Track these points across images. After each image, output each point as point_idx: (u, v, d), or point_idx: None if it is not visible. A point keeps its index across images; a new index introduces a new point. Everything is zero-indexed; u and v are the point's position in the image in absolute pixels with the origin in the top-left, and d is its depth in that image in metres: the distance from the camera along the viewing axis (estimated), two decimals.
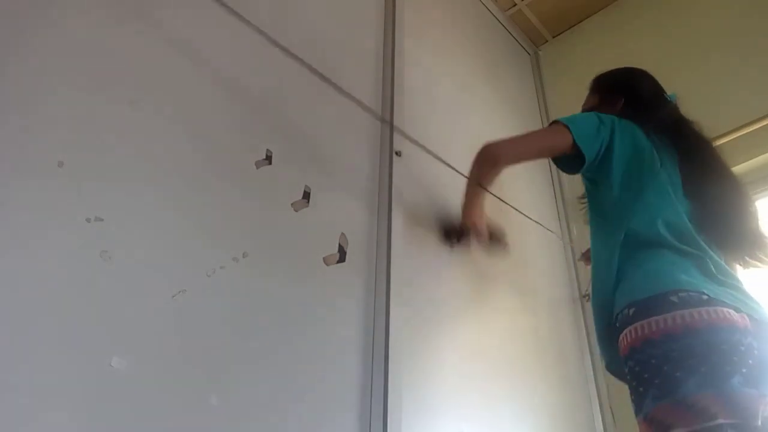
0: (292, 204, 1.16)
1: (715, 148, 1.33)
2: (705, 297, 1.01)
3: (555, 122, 1.27)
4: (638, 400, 1.01)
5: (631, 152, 1.22)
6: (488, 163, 1.32)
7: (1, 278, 0.73)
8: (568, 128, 1.23)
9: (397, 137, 1.50)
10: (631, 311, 1.06)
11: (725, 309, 1.00)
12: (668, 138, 1.27)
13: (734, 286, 1.09)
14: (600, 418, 1.83)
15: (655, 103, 1.37)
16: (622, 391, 1.85)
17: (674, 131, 1.29)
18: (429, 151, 1.54)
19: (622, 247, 1.16)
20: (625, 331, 1.06)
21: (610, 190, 1.22)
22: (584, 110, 1.48)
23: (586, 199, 1.38)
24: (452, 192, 1.66)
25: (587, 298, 2.06)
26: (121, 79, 0.97)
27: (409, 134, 1.55)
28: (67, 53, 0.91)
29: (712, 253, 1.13)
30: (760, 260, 1.21)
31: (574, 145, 1.21)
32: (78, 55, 0.93)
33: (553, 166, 2.38)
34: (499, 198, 1.85)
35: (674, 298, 1.02)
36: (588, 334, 2.00)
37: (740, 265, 1.23)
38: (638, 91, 1.41)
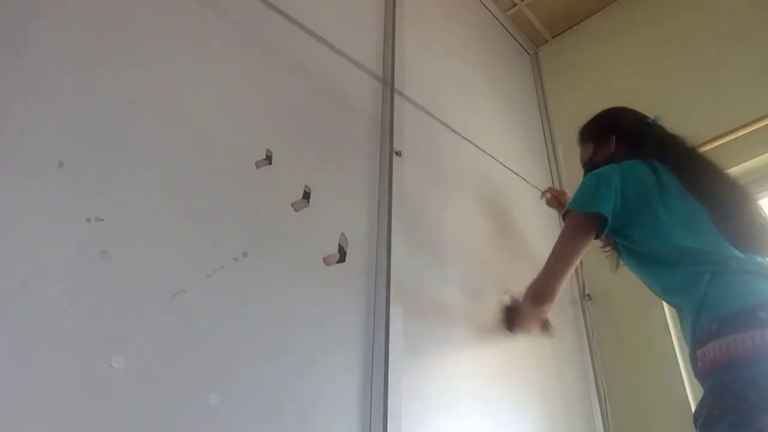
0: (292, 204, 1.16)
1: (705, 156, 1.33)
2: None
3: (566, 213, 1.31)
4: (709, 422, 0.95)
5: (651, 191, 1.21)
6: (536, 303, 1.36)
7: (1, 278, 0.73)
8: (576, 210, 1.27)
9: (396, 134, 1.50)
10: (714, 326, 1.00)
11: None
12: (663, 157, 1.28)
13: None
14: (600, 418, 1.83)
15: (643, 129, 1.39)
16: (621, 391, 1.86)
17: (665, 151, 1.31)
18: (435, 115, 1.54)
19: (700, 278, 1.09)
20: (707, 347, 1.00)
21: (655, 237, 1.19)
22: (583, 163, 1.51)
23: (612, 247, 1.39)
24: (452, 193, 1.66)
25: (588, 298, 2.07)
26: (121, 79, 0.97)
27: (409, 131, 1.55)
28: (68, 53, 0.91)
29: None
30: None
31: (588, 214, 1.24)
32: (78, 54, 0.93)
33: (552, 157, 2.39)
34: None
35: (763, 314, 0.96)
36: (588, 335, 2.00)
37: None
38: (624, 124, 1.44)
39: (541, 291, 1.33)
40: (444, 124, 1.76)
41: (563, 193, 1.84)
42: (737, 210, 1.20)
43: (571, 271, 1.31)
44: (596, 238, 1.28)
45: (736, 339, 0.95)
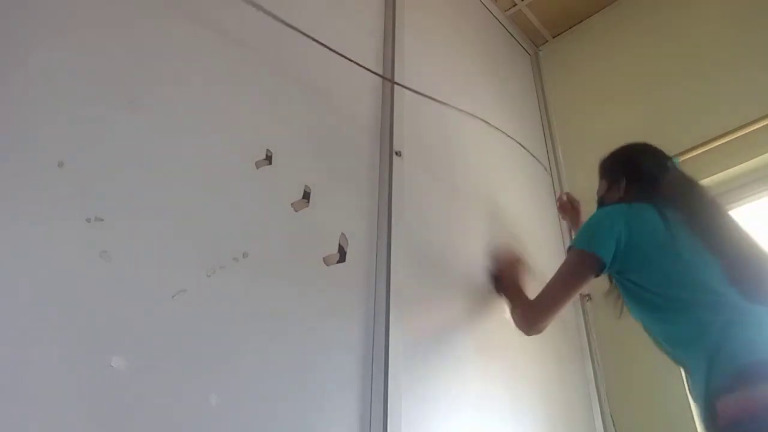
0: (292, 204, 1.16)
1: (720, 205, 1.32)
2: None
3: (569, 250, 1.35)
4: None
5: (659, 239, 1.20)
6: (522, 328, 1.40)
7: (1, 278, 0.73)
8: (576, 248, 1.30)
9: (397, 134, 1.50)
10: (731, 379, 0.99)
11: None
12: (676, 205, 1.27)
13: None
14: (600, 419, 1.83)
15: (658, 173, 1.37)
16: (621, 391, 1.86)
17: (680, 198, 1.29)
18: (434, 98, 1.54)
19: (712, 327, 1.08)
20: (726, 401, 0.98)
21: (662, 283, 1.19)
22: (598, 196, 1.51)
23: (615, 295, 1.38)
24: (451, 194, 1.66)
25: (587, 298, 2.07)
26: (121, 78, 0.97)
27: (409, 131, 1.55)
28: (68, 53, 0.91)
29: None
30: None
31: (588, 254, 1.26)
32: (78, 54, 0.93)
33: (552, 158, 2.39)
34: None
35: None
36: (588, 335, 2.00)
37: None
38: (638, 166, 1.41)
39: (528, 320, 1.36)
40: (444, 124, 1.76)
41: (578, 201, 1.84)
42: (753, 267, 1.16)
43: (566, 305, 1.33)
44: (596, 276, 1.29)
45: (755, 392, 0.94)
